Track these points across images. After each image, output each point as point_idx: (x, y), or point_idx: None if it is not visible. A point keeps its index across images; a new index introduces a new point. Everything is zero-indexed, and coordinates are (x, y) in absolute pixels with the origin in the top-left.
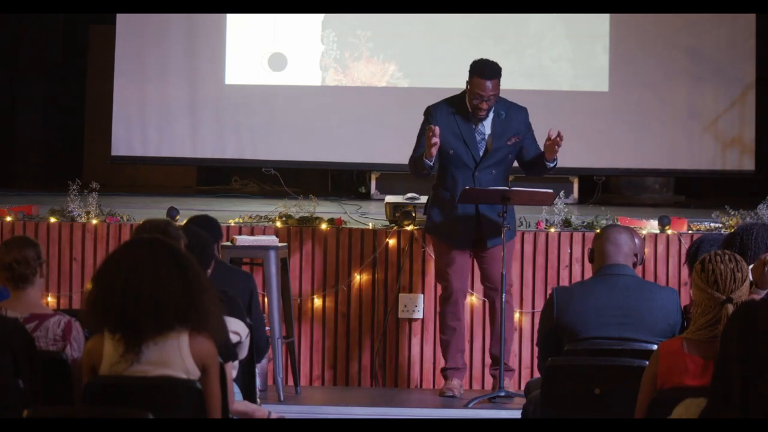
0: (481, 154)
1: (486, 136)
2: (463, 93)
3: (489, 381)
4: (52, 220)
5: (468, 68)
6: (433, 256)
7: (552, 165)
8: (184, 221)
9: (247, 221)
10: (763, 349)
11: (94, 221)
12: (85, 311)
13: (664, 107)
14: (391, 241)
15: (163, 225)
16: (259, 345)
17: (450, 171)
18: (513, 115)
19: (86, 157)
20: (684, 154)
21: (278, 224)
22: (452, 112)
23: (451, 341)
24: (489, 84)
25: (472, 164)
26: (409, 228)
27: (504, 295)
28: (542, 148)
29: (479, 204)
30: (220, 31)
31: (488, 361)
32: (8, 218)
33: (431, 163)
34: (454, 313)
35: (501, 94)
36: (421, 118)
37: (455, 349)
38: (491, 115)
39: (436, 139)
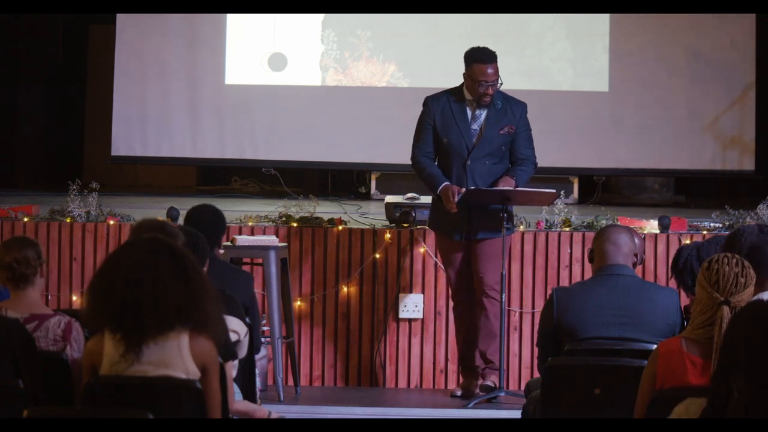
0: (473, 141)
1: (480, 125)
2: (461, 85)
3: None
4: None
5: (463, 60)
6: (439, 253)
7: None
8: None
9: (247, 221)
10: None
11: (94, 221)
12: (86, 311)
13: (664, 107)
14: (391, 241)
15: (161, 225)
16: (255, 345)
17: (446, 162)
18: (510, 106)
19: (86, 157)
20: (684, 154)
21: (278, 224)
22: (449, 102)
23: (461, 339)
24: (490, 69)
25: (465, 153)
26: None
27: (503, 295)
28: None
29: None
30: (220, 31)
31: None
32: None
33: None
34: (459, 310)
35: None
36: None
37: (466, 347)
38: None
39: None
